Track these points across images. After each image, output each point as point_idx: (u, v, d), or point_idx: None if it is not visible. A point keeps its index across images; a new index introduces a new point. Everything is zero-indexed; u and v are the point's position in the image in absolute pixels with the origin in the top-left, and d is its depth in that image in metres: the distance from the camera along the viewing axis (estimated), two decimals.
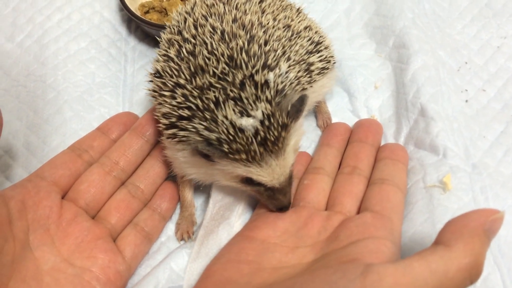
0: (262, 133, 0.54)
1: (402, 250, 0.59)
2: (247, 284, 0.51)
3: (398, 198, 0.63)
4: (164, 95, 0.59)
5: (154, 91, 0.62)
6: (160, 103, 0.60)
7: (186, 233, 0.66)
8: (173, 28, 0.64)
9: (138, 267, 0.65)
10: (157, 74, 0.62)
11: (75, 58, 0.83)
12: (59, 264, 0.57)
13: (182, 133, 0.57)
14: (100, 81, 0.82)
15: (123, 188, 0.68)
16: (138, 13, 0.86)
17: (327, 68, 0.71)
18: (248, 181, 0.59)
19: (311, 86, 0.67)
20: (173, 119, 0.58)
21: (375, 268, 0.42)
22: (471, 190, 0.65)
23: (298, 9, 0.73)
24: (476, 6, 0.92)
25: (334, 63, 0.75)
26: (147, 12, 0.88)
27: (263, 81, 0.56)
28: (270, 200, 0.61)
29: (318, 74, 0.68)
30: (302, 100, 0.56)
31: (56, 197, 0.62)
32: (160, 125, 0.61)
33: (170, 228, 0.69)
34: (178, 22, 0.64)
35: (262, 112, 0.54)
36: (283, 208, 0.61)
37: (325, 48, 0.72)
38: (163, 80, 0.60)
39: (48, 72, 0.81)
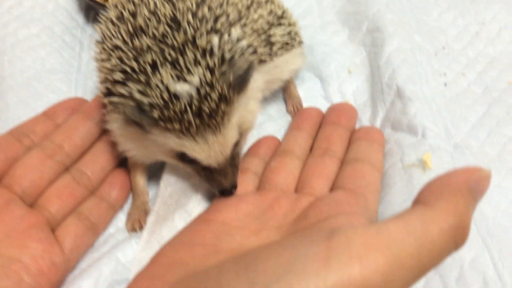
0: (196, 103, 0.47)
1: None
2: (199, 265, 0.43)
3: (374, 176, 0.57)
4: (103, 60, 0.53)
5: (96, 58, 0.56)
6: (100, 70, 0.54)
7: (138, 223, 0.58)
8: None
9: (81, 261, 0.56)
10: (99, 40, 0.56)
11: (24, 44, 0.77)
12: None
13: (116, 99, 0.50)
14: (51, 67, 0.75)
15: (66, 174, 0.60)
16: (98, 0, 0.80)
17: (292, 45, 0.66)
18: (183, 157, 0.52)
19: (271, 60, 0.62)
20: (108, 84, 0.52)
21: (342, 231, 0.35)
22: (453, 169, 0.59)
23: None
24: None
25: (301, 42, 0.70)
26: None
27: (205, 45, 0.50)
28: (210, 181, 0.54)
29: (280, 48, 0.63)
30: (247, 69, 0.50)
31: None
32: (99, 94, 0.55)
33: (121, 218, 0.61)
34: None
35: (200, 78, 0.48)
36: (224, 192, 0.54)
37: (289, 24, 0.67)
38: (103, 45, 0.54)
39: None
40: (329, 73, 0.77)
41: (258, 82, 0.58)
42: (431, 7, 0.87)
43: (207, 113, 0.48)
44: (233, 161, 0.54)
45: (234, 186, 0.55)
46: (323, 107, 0.72)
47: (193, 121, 0.48)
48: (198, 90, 0.48)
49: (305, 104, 0.74)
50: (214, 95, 0.48)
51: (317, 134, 0.67)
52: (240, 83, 0.50)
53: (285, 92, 0.74)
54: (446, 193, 0.36)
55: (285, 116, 0.73)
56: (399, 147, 0.63)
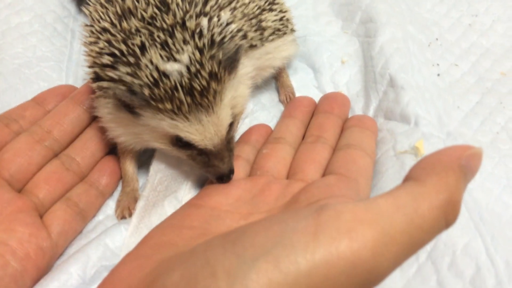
0: (186, 80, 0.47)
1: None
2: (187, 246, 0.42)
3: (366, 162, 0.56)
4: (91, 43, 0.53)
5: (85, 42, 0.55)
6: (89, 55, 0.53)
7: (127, 210, 0.58)
8: None
9: (69, 247, 0.56)
10: (88, 23, 0.55)
11: (15, 31, 0.76)
12: None
13: (105, 83, 0.50)
14: (42, 55, 0.75)
15: (55, 160, 0.59)
16: None
17: (284, 32, 0.65)
18: (178, 141, 0.52)
19: (262, 45, 0.62)
20: (97, 68, 0.51)
21: (331, 206, 0.34)
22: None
23: None
24: None
25: (293, 30, 0.70)
26: None
27: (195, 27, 0.49)
28: (206, 167, 0.53)
29: (272, 34, 0.63)
30: (236, 50, 0.50)
31: None
32: (88, 79, 0.54)
33: (110, 206, 0.61)
34: None
35: (189, 57, 0.48)
36: (223, 178, 0.54)
37: (281, 11, 0.66)
38: (92, 28, 0.54)
39: None
40: (322, 63, 0.77)
41: (247, 68, 0.57)
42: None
43: (199, 91, 0.48)
44: (229, 145, 0.54)
45: (232, 171, 0.54)
46: (316, 97, 0.72)
47: (184, 100, 0.47)
48: (188, 68, 0.47)
49: (297, 94, 0.73)
50: (205, 73, 0.48)
51: (310, 123, 0.66)
52: (231, 63, 0.50)
53: (277, 81, 0.74)
54: (437, 170, 0.36)
55: (277, 106, 0.73)
56: (392, 135, 0.63)
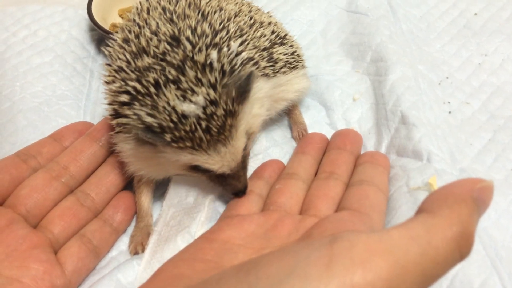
0: (204, 122, 0.49)
1: None
2: (200, 279, 0.42)
3: (379, 197, 0.56)
4: (108, 82, 0.55)
5: (105, 81, 0.57)
6: (108, 93, 0.55)
7: (140, 245, 0.58)
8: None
9: (82, 284, 0.56)
10: (108, 63, 0.58)
11: (36, 71, 0.79)
12: None
13: (124, 120, 0.51)
14: (61, 93, 0.77)
15: (71, 196, 0.60)
16: None
17: (295, 66, 0.67)
18: (196, 168, 0.54)
19: (275, 76, 0.63)
20: (115, 106, 0.53)
21: (345, 236, 0.34)
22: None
23: (267, 12, 0.70)
24: (454, 27, 0.90)
25: (304, 66, 0.72)
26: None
27: (204, 61, 0.50)
28: (224, 186, 0.57)
29: (283, 67, 0.64)
30: (248, 78, 0.51)
31: None
32: (107, 116, 0.56)
33: (124, 241, 0.61)
34: (137, 9, 0.61)
35: (204, 98, 0.49)
36: (238, 193, 0.58)
37: (291, 46, 0.68)
38: (110, 68, 0.56)
39: (5, 83, 0.76)
40: (333, 100, 0.78)
41: (263, 90, 0.59)
42: (434, 39, 0.88)
43: (215, 131, 0.49)
44: (243, 163, 0.57)
45: (246, 187, 0.58)
46: (328, 134, 0.73)
47: (204, 137, 0.49)
48: (204, 110, 0.49)
49: (310, 131, 0.74)
50: (220, 112, 0.49)
51: (322, 159, 0.67)
52: (243, 93, 0.51)
53: (290, 118, 0.75)
54: (449, 202, 0.36)
55: (290, 142, 0.74)
56: (404, 171, 0.63)
